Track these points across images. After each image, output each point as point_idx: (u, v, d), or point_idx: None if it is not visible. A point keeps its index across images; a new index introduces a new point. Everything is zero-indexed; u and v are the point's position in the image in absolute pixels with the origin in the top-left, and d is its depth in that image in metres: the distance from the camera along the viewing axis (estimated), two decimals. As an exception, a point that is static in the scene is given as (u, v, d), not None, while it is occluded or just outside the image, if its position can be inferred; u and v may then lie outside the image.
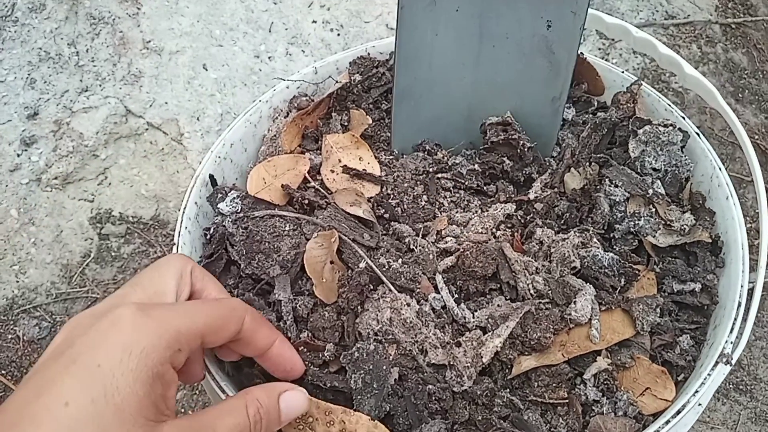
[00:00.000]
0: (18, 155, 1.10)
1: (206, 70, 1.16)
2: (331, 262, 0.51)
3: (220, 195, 0.56)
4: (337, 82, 0.62)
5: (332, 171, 0.57)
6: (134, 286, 0.38)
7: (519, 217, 0.57)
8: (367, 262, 0.50)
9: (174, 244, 0.53)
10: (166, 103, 1.12)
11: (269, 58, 1.20)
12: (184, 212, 0.56)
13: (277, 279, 0.51)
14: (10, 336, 1.00)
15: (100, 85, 1.14)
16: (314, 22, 1.25)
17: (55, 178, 1.08)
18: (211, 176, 0.57)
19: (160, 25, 1.18)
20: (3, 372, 0.98)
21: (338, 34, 1.25)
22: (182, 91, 1.13)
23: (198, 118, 1.12)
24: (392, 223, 0.55)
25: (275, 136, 0.63)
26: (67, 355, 0.32)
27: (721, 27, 1.37)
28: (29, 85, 1.14)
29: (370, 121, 0.61)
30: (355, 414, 0.44)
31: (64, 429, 0.30)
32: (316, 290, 0.50)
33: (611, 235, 0.55)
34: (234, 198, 0.56)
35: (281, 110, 0.64)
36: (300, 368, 0.45)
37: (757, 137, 1.23)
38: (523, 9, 0.56)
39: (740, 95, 1.29)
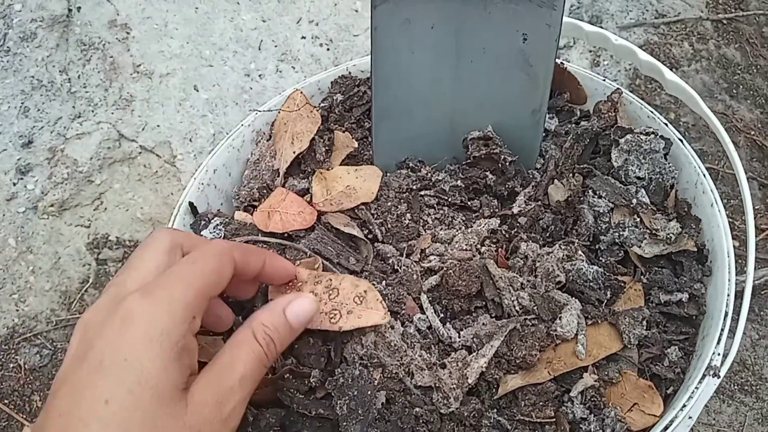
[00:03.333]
0: (14, 184, 1.10)
1: (197, 91, 1.16)
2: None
3: (203, 222, 0.56)
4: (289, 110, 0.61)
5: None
6: (129, 270, 0.38)
7: (504, 232, 0.56)
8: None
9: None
10: (158, 125, 1.13)
11: (260, 76, 1.20)
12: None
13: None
14: (11, 365, 1.01)
15: (93, 111, 1.14)
16: (303, 37, 1.25)
17: (52, 206, 1.09)
18: (191, 204, 0.57)
19: (150, 49, 1.18)
20: (6, 401, 0.98)
21: (328, 49, 1.25)
22: (174, 113, 1.14)
23: (190, 140, 1.12)
24: (376, 244, 0.55)
25: (258, 159, 0.63)
26: (91, 358, 0.33)
27: (712, 23, 1.36)
28: (23, 113, 1.14)
29: (356, 145, 0.61)
30: (342, 275, 0.47)
31: (113, 424, 0.31)
32: None
33: (597, 246, 0.54)
34: (217, 225, 0.56)
35: (264, 133, 0.64)
36: (292, 267, 0.47)
37: (753, 132, 1.22)
38: (498, 23, 0.55)
39: (734, 91, 1.28)
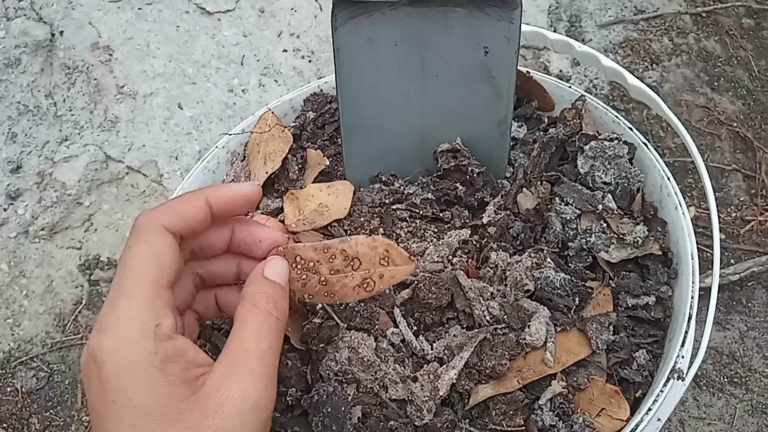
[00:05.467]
0: (4, 209, 1.11)
1: (181, 109, 1.18)
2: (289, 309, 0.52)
3: (179, 247, 0.57)
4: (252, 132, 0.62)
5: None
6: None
7: (474, 242, 0.57)
8: (324, 306, 0.50)
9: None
10: (143, 145, 1.14)
11: (243, 91, 1.21)
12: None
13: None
14: (9, 389, 1.02)
15: (79, 134, 1.15)
16: (285, 51, 1.26)
17: (42, 229, 1.10)
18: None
19: (133, 69, 1.20)
20: (4, 425, 1.00)
21: (309, 61, 1.26)
22: (159, 133, 1.15)
23: (176, 158, 1.13)
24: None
25: (233, 180, 0.64)
26: (91, 408, 0.33)
27: (691, 17, 1.37)
28: (11, 139, 1.16)
29: (327, 163, 0.62)
30: (352, 238, 0.44)
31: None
32: (292, 340, 0.50)
33: (566, 253, 0.55)
34: (193, 249, 0.57)
35: (238, 154, 0.65)
36: (249, 188, 0.42)
37: (735, 124, 1.23)
38: (460, 38, 0.56)
39: (716, 84, 1.29)
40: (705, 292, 1.00)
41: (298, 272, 0.44)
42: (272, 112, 0.63)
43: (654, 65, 1.30)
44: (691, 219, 1.11)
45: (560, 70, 1.27)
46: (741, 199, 1.16)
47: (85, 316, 1.05)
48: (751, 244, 1.10)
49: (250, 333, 0.35)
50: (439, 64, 0.58)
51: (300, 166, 0.62)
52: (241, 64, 1.24)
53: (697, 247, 1.09)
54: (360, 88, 0.58)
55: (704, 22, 1.38)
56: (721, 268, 1.05)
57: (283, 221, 0.57)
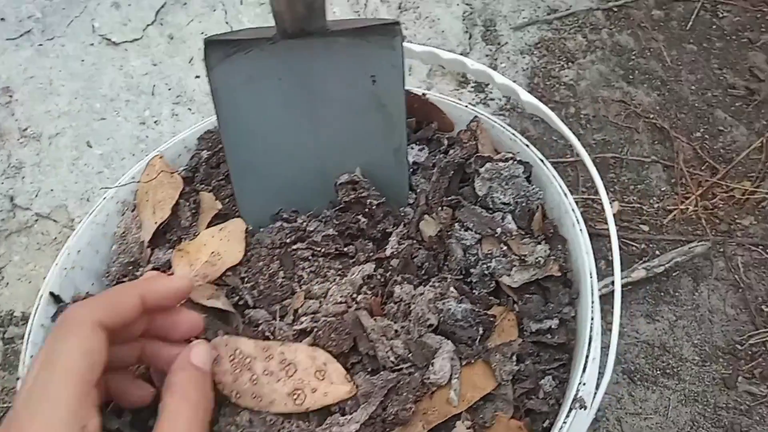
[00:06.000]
0: None
1: (90, 147, 1.13)
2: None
3: (65, 313, 0.54)
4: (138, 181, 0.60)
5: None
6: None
7: (379, 276, 0.56)
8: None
9: (19, 377, 0.50)
10: (52, 190, 1.08)
11: (155, 122, 1.17)
12: (29, 339, 0.53)
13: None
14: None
15: (-18, 182, 1.09)
16: (197, 77, 1.22)
17: (-50, 287, 1.04)
18: (52, 294, 0.55)
19: (36, 110, 1.14)
20: None
21: (223, 86, 1.22)
22: (67, 174, 1.10)
23: (88, 199, 1.08)
24: (247, 310, 0.54)
25: (124, 232, 0.60)
26: None
27: (603, 12, 1.39)
28: None
29: (220, 206, 0.59)
30: (293, 344, 0.46)
31: None
32: None
33: (469, 279, 0.54)
34: (80, 313, 0.53)
35: (129, 203, 0.62)
36: (183, 284, 0.43)
37: (652, 116, 1.25)
38: (345, 68, 0.55)
39: (631, 77, 1.31)
40: (633, 286, 1.01)
41: (233, 365, 0.45)
42: (160, 157, 0.60)
43: (570, 63, 1.31)
44: (615, 214, 1.12)
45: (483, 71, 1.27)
46: (662, 189, 1.17)
47: (1, 378, 1.00)
48: (675, 234, 1.11)
49: (181, 424, 0.35)
50: (327, 95, 0.56)
51: (193, 211, 0.59)
52: (153, 95, 1.20)
53: (623, 242, 1.10)
54: (246, 127, 0.55)
55: (616, 16, 1.40)
56: (645, 261, 1.06)
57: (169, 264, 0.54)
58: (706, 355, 0.99)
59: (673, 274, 1.06)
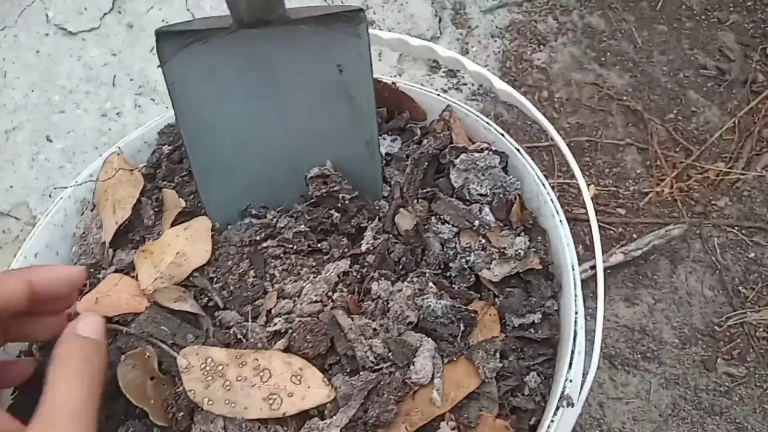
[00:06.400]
0: None
1: (50, 141, 1.08)
2: (152, 378, 0.47)
3: (20, 322, 0.50)
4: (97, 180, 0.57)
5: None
6: None
7: (355, 273, 0.53)
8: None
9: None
10: (11, 186, 1.04)
11: (117, 114, 1.12)
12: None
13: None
14: None
15: (-63, 182, 1.04)
16: (159, 66, 1.18)
17: None
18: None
19: (-10, 104, 1.09)
20: None
21: (188, 75, 1.18)
22: (27, 170, 1.05)
23: (50, 195, 1.04)
24: (218, 312, 0.51)
25: (84, 233, 0.57)
26: None
27: (573, -7, 1.38)
28: None
29: (184, 204, 0.56)
30: (267, 351, 0.45)
31: None
32: (151, 416, 0.45)
33: (448, 274, 0.52)
34: (37, 322, 0.50)
35: (88, 202, 0.59)
36: (75, 272, 0.42)
37: (625, 98, 1.24)
38: (310, 57, 0.52)
39: (603, 59, 1.30)
40: (612, 270, 1.00)
41: (204, 373, 0.43)
42: (118, 154, 0.57)
43: (542, 46, 1.30)
44: (591, 198, 1.11)
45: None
46: (638, 171, 1.17)
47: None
48: (651, 216, 1.11)
49: (61, 392, 0.35)
50: (293, 86, 0.53)
51: (156, 209, 0.56)
52: (113, 85, 1.15)
53: (600, 226, 1.09)
54: (207, 121, 0.52)
55: (586, -3, 1.39)
56: (623, 245, 1.06)
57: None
58: (686, 338, 0.99)
59: (651, 257, 1.06)
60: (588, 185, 1.13)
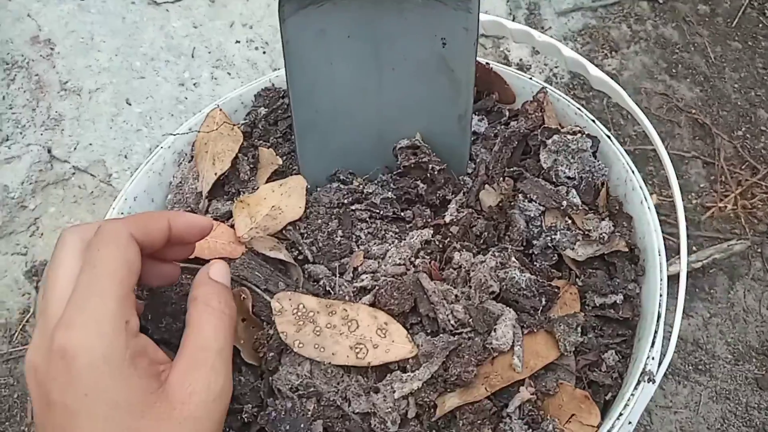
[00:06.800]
0: (-58, 215, 1.05)
1: (130, 104, 1.12)
2: (244, 320, 0.49)
3: (122, 256, 0.53)
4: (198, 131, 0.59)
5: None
6: (48, 292, 0.36)
7: (437, 242, 0.55)
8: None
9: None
10: (90, 144, 1.08)
11: (194, 84, 1.16)
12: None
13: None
14: (-47, 404, 0.96)
15: (21, 133, 1.09)
16: (237, 42, 1.21)
17: (-16, 235, 1.04)
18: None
19: (77, 64, 1.14)
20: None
21: (264, 52, 1.22)
22: (106, 130, 1.09)
23: (126, 156, 1.08)
24: (307, 265, 0.53)
25: (181, 182, 0.60)
26: (57, 404, 0.33)
27: (649, 3, 1.37)
28: (-54, 140, 1.09)
29: (280, 162, 0.58)
30: (356, 304, 0.47)
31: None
32: (242, 354, 0.48)
33: (531, 251, 0.53)
34: (137, 258, 0.53)
35: (185, 154, 0.62)
36: (207, 222, 0.44)
37: (694, 111, 1.23)
38: (416, 29, 0.54)
39: (674, 70, 1.29)
40: (669, 280, 1.00)
41: (296, 318, 0.46)
42: (220, 110, 0.60)
43: (613, 53, 1.30)
44: (656, 205, 1.10)
45: (520, 59, 1.25)
46: (701, 185, 1.16)
47: (33, 325, 1.00)
48: (712, 231, 1.10)
49: (207, 332, 0.37)
50: (395, 56, 0.55)
51: (251, 165, 0.59)
52: (192, 57, 1.19)
53: (663, 235, 1.09)
54: (312, 82, 0.55)
55: (661, 8, 1.38)
56: (683, 256, 1.05)
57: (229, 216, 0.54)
58: (740, 354, 0.98)
59: (710, 271, 1.05)
60: (651, 194, 1.13)
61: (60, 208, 1.06)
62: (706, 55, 1.32)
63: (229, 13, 1.24)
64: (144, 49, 1.18)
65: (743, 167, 1.18)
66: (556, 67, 1.25)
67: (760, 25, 1.37)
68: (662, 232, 1.09)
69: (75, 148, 1.08)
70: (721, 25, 1.37)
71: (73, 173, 1.07)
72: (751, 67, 1.31)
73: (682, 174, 1.17)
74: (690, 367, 0.97)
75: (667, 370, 0.94)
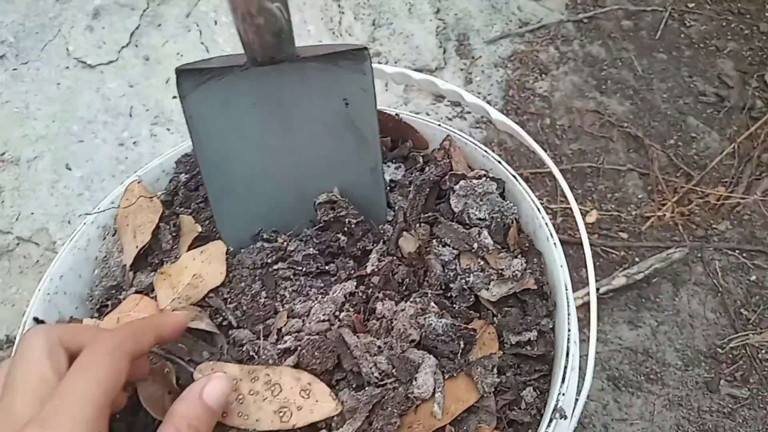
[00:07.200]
0: None
1: (70, 170, 1.12)
2: (170, 392, 0.49)
3: (46, 340, 0.54)
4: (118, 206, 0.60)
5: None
6: (12, 392, 0.35)
7: (361, 293, 0.56)
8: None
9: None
10: (32, 213, 1.08)
11: (134, 143, 1.17)
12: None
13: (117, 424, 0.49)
14: None
15: (-39, 208, 1.09)
16: (175, 97, 1.22)
17: (-71, 315, 1.03)
18: (36, 319, 0.55)
19: (13, 134, 1.14)
20: None
21: (202, 105, 1.23)
22: (47, 198, 1.09)
23: (69, 221, 1.08)
24: (231, 331, 0.54)
25: (106, 256, 0.61)
26: None
27: (573, 24, 1.42)
28: None
29: (200, 229, 0.59)
30: (279, 367, 0.47)
31: None
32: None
33: (449, 294, 0.55)
34: (62, 340, 0.53)
35: (109, 227, 0.62)
36: (181, 320, 0.46)
37: (626, 125, 1.27)
38: (319, 91, 0.55)
39: (603, 87, 1.33)
40: (614, 293, 1.03)
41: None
42: (139, 182, 0.61)
43: (543, 75, 1.34)
44: (593, 222, 1.13)
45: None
46: (639, 197, 1.20)
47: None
48: (653, 240, 1.13)
49: None
50: (302, 118, 0.57)
51: (173, 234, 0.60)
52: (130, 116, 1.20)
53: (603, 249, 1.11)
54: (222, 151, 0.56)
55: (586, 27, 1.43)
56: (625, 268, 1.08)
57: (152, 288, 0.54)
58: (689, 360, 1.00)
59: (653, 280, 1.08)
60: (590, 210, 1.16)
61: (6, 280, 1.05)
62: (633, 68, 1.37)
63: (164, 70, 1.25)
64: (81, 113, 1.18)
65: (678, 175, 1.22)
66: (489, 94, 1.29)
67: (682, 35, 1.43)
68: (604, 246, 1.12)
69: (17, 219, 1.08)
70: (646, 39, 1.42)
71: (17, 244, 1.07)
72: (678, 77, 1.36)
73: (619, 187, 1.20)
74: (642, 378, 0.99)
75: (620, 382, 0.97)
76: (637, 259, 1.11)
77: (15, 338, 1.03)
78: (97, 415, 0.33)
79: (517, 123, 1.24)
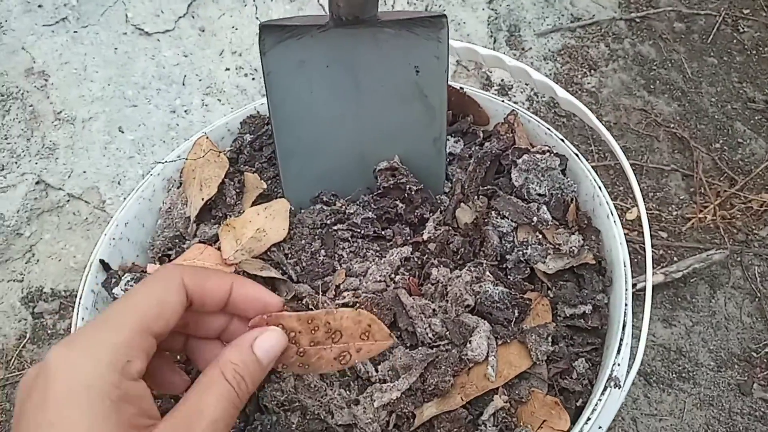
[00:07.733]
0: (-61, 244, 1.07)
1: (122, 132, 1.15)
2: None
3: (114, 280, 0.56)
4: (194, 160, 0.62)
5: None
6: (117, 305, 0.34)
7: (416, 259, 0.58)
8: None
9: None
10: (84, 171, 1.11)
11: (186, 111, 1.19)
12: (80, 302, 0.55)
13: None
14: (-50, 432, 0.98)
15: (16, 162, 1.12)
16: (227, 69, 1.25)
17: (-20, 263, 1.06)
18: (102, 261, 0.57)
19: (70, 94, 1.17)
20: (-53, 471, 0.95)
21: (253, 78, 1.25)
22: (99, 158, 1.12)
23: (119, 183, 1.11)
24: (290, 284, 0.56)
25: (170, 208, 0.63)
26: (23, 427, 0.29)
27: (626, 22, 1.41)
28: (-57, 170, 1.11)
29: (265, 186, 0.61)
30: (338, 310, 0.43)
31: None
32: None
33: (504, 265, 0.56)
34: (128, 281, 0.55)
35: (174, 180, 0.64)
36: (275, 301, 0.40)
37: (672, 125, 1.27)
38: (391, 58, 0.57)
39: (652, 87, 1.33)
40: (651, 291, 1.03)
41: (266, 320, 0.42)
42: (207, 137, 0.62)
43: (592, 71, 1.33)
44: (634, 219, 1.13)
45: (502, 80, 1.29)
46: (681, 197, 1.19)
47: (29, 351, 1.02)
48: (693, 241, 1.13)
49: (208, 398, 0.33)
50: (372, 84, 0.58)
51: (237, 190, 0.62)
52: (183, 85, 1.22)
53: (640, 246, 1.11)
54: (293, 111, 0.57)
55: (638, 27, 1.42)
56: (664, 266, 1.08)
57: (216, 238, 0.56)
58: (722, 361, 1.00)
59: (691, 280, 1.08)
60: (632, 207, 1.16)
61: (55, 235, 1.08)
62: (683, 70, 1.36)
63: (218, 42, 1.27)
64: (136, 78, 1.21)
65: (722, 179, 1.21)
66: (530, 89, 1.29)
67: (734, 41, 1.41)
68: (644, 243, 1.12)
69: (69, 176, 1.11)
70: (697, 42, 1.41)
71: (68, 200, 1.10)
72: (727, 82, 1.35)
73: (662, 186, 1.20)
74: (674, 375, 0.99)
75: (651, 378, 0.97)
76: (675, 259, 1.10)
77: (61, 291, 1.06)
78: (127, 341, 0.32)
79: (563, 117, 1.24)
